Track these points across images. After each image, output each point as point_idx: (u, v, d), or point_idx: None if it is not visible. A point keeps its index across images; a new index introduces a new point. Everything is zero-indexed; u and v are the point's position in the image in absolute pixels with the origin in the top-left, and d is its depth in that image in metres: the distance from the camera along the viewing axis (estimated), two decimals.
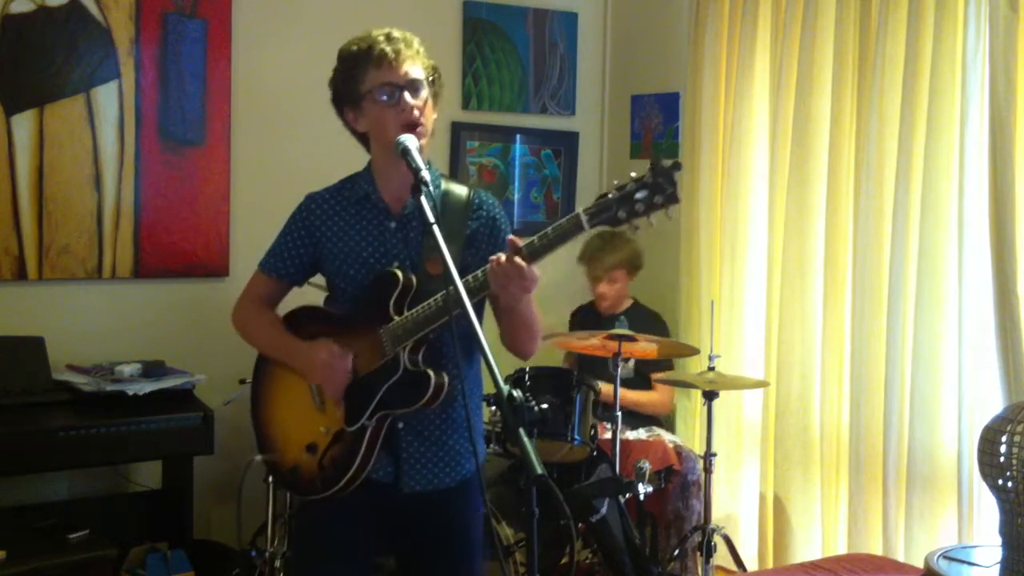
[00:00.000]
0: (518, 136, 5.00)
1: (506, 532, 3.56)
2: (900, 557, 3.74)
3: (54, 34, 3.87)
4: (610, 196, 2.18)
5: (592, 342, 4.03)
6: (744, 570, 4.10)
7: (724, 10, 4.50)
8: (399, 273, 2.42)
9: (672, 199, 2.14)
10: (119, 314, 4.08)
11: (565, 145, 5.11)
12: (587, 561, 3.89)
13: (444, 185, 2.55)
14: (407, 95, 2.42)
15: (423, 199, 2.26)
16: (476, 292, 2.30)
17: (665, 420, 4.59)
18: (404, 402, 2.42)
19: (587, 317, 4.54)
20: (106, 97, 3.99)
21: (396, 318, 2.39)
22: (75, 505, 3.92)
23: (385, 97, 2.42)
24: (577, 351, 4.28)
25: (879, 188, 3.89)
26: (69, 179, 3.94)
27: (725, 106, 4.53)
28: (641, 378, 4.44)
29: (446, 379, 2.41)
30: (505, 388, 1.96)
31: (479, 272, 2.31)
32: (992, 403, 3.52)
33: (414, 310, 2.37)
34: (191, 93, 4.16)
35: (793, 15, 4.19)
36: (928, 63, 3.71)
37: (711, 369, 3.91)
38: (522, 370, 3.82)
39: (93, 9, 3.94)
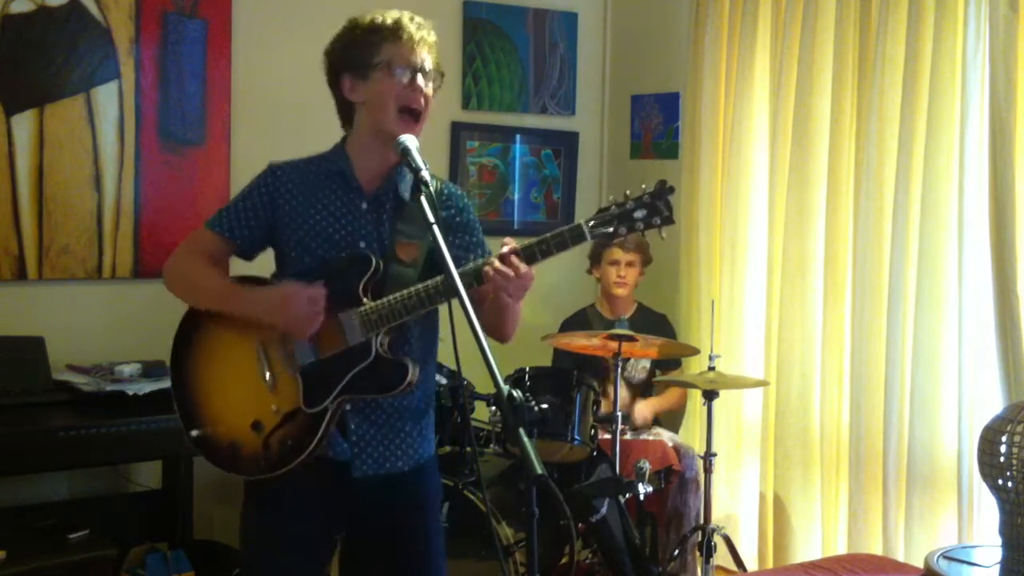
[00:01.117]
0: (518, 136, 5.00)
1: (506, 532, 3.56)
2: (900, 557, 3.74)
3: (54, 34, 3.87)
4: (612, 211, 2.24)
5: (586, 341, 4.03)
6: (744, 570, 4.10)
7: (724, 10, 4.50)
8: (372, 257, 2.37)
9: (668, 221, 2.24)
10: (119, 314, 4.07)
11: (565, 145, 5.11)
12: (587, 561, 3.89)
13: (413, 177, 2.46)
14: (420, 78, 2.40)
15: (423, 199, 2.25)
16: (466, 287, 2.23)
17: (678, 417, 4.60)
18: (372, 388, 2.37)
19: (587, 323, 4.52)
20: (106, 97, 3.99)
21: (368, 302, 2.33)
22: (75, 505, 3.91)
23: (399, 74, 2.38)
24: (578, 351, 4.27)
25: (879, 188, 3.89)
26: (69, 179, 3.94)
27: (725, 106, 4.53)
28: (648, 384, 4.46)
29: (419, 371, 2.38)
30: (505, 388, 1.96)
31: (469, 267, 2.29)
32: (992, 403, 3.52)
33: (393, 296, 2.31)
34: (191, 93, 4.16)
35: (793, 15, 4.19)
36: (928, 63, 3.71)
37: (711, 369, 3.92)
38: (522, 370, 3.82)
39: (93, 9, 3.94)
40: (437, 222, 2.22)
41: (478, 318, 2.08)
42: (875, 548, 3.87)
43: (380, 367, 2.35)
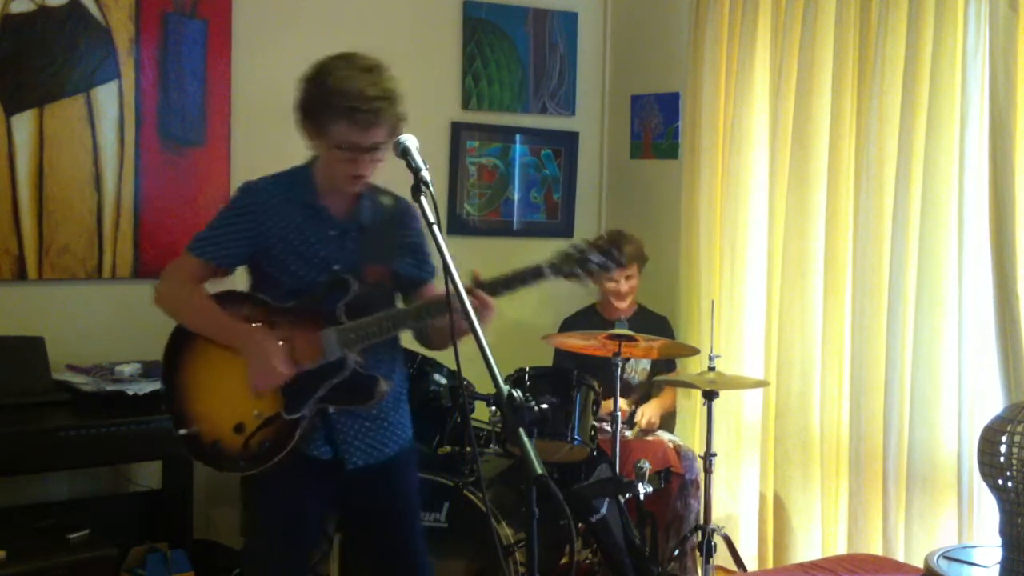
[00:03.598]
0: (518, 136, 5.00)
1: (506, 532, 3.56)
2: (900, 557, 3.74)
3: (54, 34, 3.87)
4: (571, 253, 2.52)
5: (585, 341, 4.03)
6: (744, 570, 4.10)
7: (724, 10, 4.50)
8: (349, 280, 2.61)
9: (620, 265, 2.56)
10: (119, 314, 4.07)
11: (565, 145, 5.11)
12: (587, 561, 3.89)
13: (376, 196, 2.73)
14: (366, 158, 2.58)
15: (423, 199, 2.29)
16: (424, 317, 2.59)
17: (672, 417, 4.60)
18: (346, 400, 2.63)
19: (588, 322, 4.52)
20: (106, 97, 3.99)
21: (346, 321, 2.58)
22: (75, 505, 3.91)
23: (346, 155, 2.56)
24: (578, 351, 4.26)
25: (879, 188, 3.89)
26: (69, 179, 3.94)
27: (725, 106, 4.53)
28: (647, 383, 4.46)
29: (392, 383, 2.68)
30: (505, 388, 1.97)
31: (412, 311, 2.62)
32: (992, 403, 3.52)
33: (370, 319, 2.57)
34: (191, 93, 4.16)
35: (793, 15, 4.19)
36: (928, 63, 3.71)
37: (711, 369, 3.91)
38: (522, 370, 3.82)
39: (93, 9, 3.94)
40: (438, 222, 2.25)
41: (418, 334, 2.52)
42: (875, 548, 3.87)
43: (354, 381, 2.60)
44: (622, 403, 4.01)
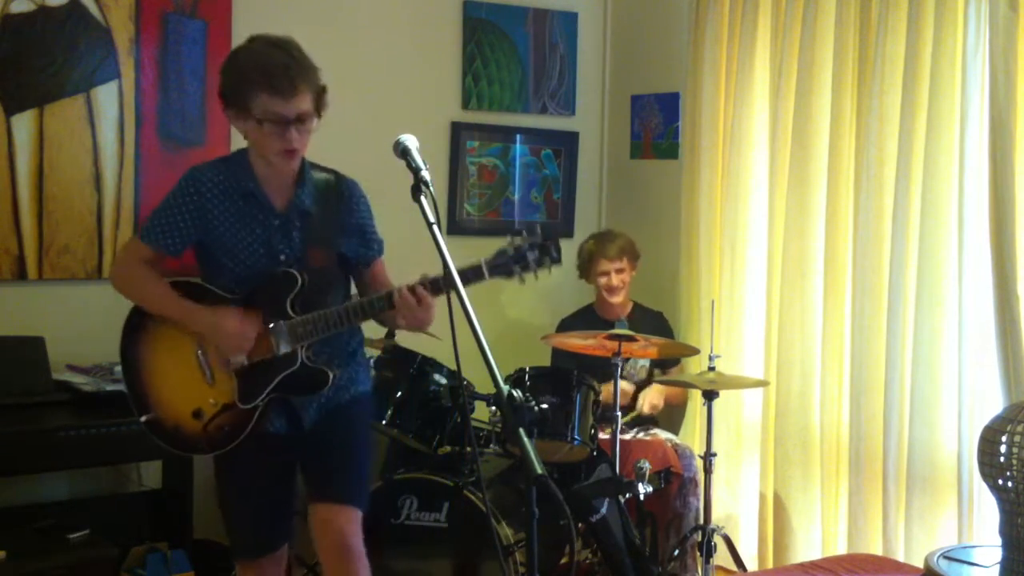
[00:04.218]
0: (518, 136, 5.00)
1: (506, 532, 3.56)
2: (900, 557, 3.74)
3: (54, 34, 3.87)
4: (508, 253, 2.54)
5: (585, 341, 4.03)
6: (744, 570, 4.10)
7: (724, 10, 4.50)
8: (298, 275, 2.67)
9: (555, 262, 2.57)
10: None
11: (565, 145, 5.11)
12: (587, 561, 3.89)
13: (314, 175, 2.76)
14: (293, 130, 2.59)
15: (423, 199, 2.30)
16: (374, 311, 2.65)
17: (678, 415, 4.59)
18: (297, 390, 2.73)
19: (586, 322, 4.53)
20: (106, 97, 3.99)
21: (294, 315, 2.66)
22: (75, 505, 3.91)
23: (274, 126, 2.58)
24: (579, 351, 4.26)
25: (879, 188, 3.89)
26: (69, 179, 3.94)
27: (725, 106, 4.53)
28: (647, 383, 4.45)
29: (338, 373, 2.75)
30: (505, 388, 1.97)
31: (358, 305, 2.66)
32: (992, 403, 3.52)
33: (317, 314, 2.64)
34: (191, 93, 4.16)
35: (793, 15, 4.19)
36: (928, 63, 3.71)
37: (711, 369, 3.91)
38: (522, 370, 3.82)
39: (93, 9, 3.94)
40: (437, 222, 2.26)
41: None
42: (875, 548, 3.87)
43: (305, 373, 2.70)
44: (623, 385, 4.02)
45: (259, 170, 2.72)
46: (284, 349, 2.68)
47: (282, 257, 2.71)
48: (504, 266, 2.55)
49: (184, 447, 2.86)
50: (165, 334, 2.79)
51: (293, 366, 2.69)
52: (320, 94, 2.64)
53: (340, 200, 2.78)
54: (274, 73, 2.56)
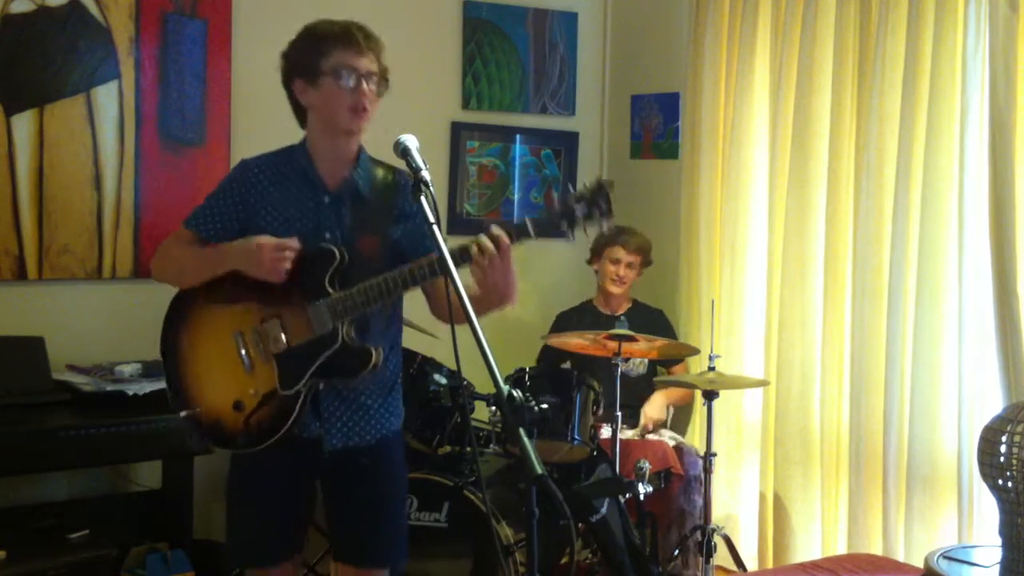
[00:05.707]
0: (518, 136, 5.00)
1: (506, 532, 3.56)
2: (900, 557, 3.74)
3: (54, 34, 3.87)
4: (555, 209, 2.41)
5: (586, 341, 4.03)
6: (744, 570, 4.10)
7: (724, 10, 4.50)
8: (336, 250, 2.56)
9: (607, 214, 2.40)
10: (119, 314, 4.07)
11: (565, 145, 5.11)
12: (587, 561, 3.89)
13: (372, 165, 2.70)
14: (364, 83, 2.57)
15: (423, 199, 2.30)
16: (419, 281, 2.48)
17: (685, 414, 4.60)
18: (340, 372, 2.59)
19: (584, 318, 4.53)
20: (106, 97, 3.99)
21: (333, 292, 2.53)
22: (75, 505, 3.91)
23: (344, 79, 2.56)
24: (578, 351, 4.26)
25: (879, 188, 3.89)
26: (69, 179, 3.94)
27: (725, 106, 4.53)
28: (649, 377, 4.46)
29: (382, 354, 2.59)
30: (505, 388, 1.97)
31: (420, 264, 2.45)
32: (992, 403, 3.52)
33: (359, 287, 2.50)
34: (191, 93, 4.16)
35: (793, 15, 4.19)
36: (928, 63, 3.71)
37: (711, 369, 3.92)
38: (522, 370, 3.82)
39: (93, 9, 3.94)
40: (437, 222, 2.25)
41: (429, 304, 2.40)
42: (875, 548, 3.87)
43: (347, 353, 2.55)
44: (629, 434, 4.00)
45: (315, 149, 2.66)
46: (324, 328, 2.54)
47: (327, 236, 2.61)
48: (550, 222, 2.42)
49: (223, 442, 2.72)
50: (203, 325, 2.70)
51: (334, 345, 2.54)
52: (384, 69, 2.63)
53: (395, 189, 2.67)
54: (346, 29, 2.58)
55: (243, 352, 2.63)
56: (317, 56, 2.58)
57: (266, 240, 2.55)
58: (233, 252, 2.59)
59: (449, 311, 2.24)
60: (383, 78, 2.63)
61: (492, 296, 2.51)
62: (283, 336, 2.58)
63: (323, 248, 2.58)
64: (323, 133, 2.65)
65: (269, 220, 2.63)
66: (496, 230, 2.42)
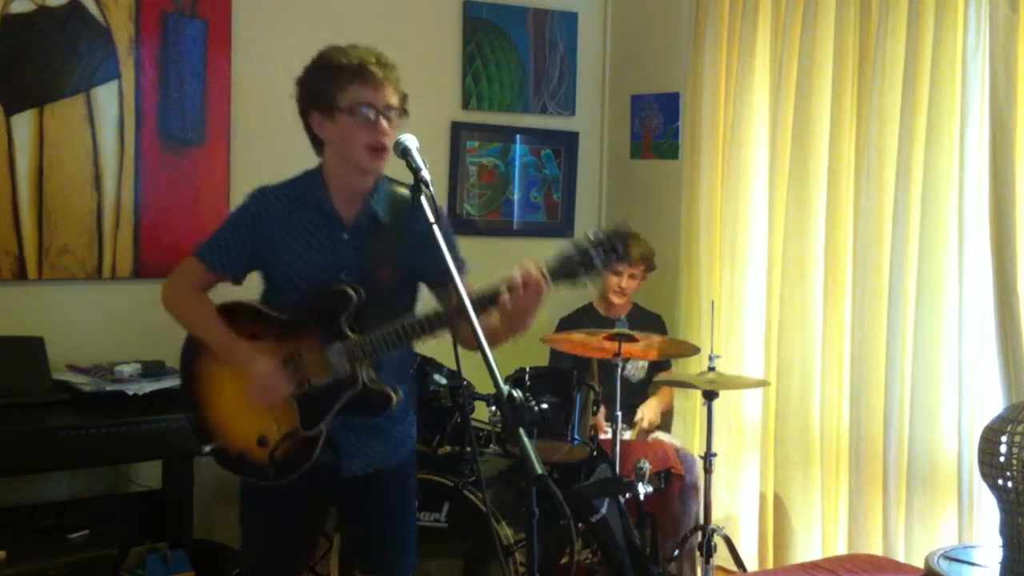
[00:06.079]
0: (518, 136, 5.00)
1: (506, 532, 3.56)
2: (900, 557, 3.74)
3: (54, 34, 3.87)
4: (572, 256, 2.33)
5: (586, 341, 4.03)
6: (744, 570, 4.10)
7: (724, 10, 4.50)
8: (351, 291, 2.51)
9: (622, 259, 2.36)
10: (119, 314, 4.07)
11: (565, 145, 5.11)
12: (587, 561, 3.89)
13: (389, 187, 2.63)
14: (383, 121, 2.50)
15: (423, 199, 2.29)
16: (433, 328, 2.42)
17: (669, 417, 4.60)
18: (359, 413, 2.57)
19: (584, 320, 4.53)
20: (106, 97, 3.99)
21: (351, 335, 2.49)
22: (75, 505, 3.91)
23: (363, 116, 2.49)
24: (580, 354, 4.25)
25: (879, 188, 3.89)
26: (69, 179, 3.94)
27: (725, 106, 4.53)
28: (646, 381, 4.46)
29: (401, 394, 2.57)
30: (505, 388, 1.97)
31: (437, 313, 2.41)
32: (992, 403, 3.52)
33: (376, 333, 2.46)
34: (191, 93, 4.15)
35: (793, 15, 4.19)
36: (928, 63, 3.71)
37: (711, 369, 3.91)
38: (522, 370, 3.82)
39: (93, 9, 3.94)
40: (437, 222, 2.24)
41: (457, 338, 2.28)
42: (875, 548, 3.87)
43: (366, 395, 2.53)
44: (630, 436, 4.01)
45: (332, 182, 2.59)
46: (341, 372, 2.50)
47: (343, 274, 2.56)
48: (567, 270, 2.33)
49: (251, 473, 2.65)
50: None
51: (355, 389, 2.51)
52: (404, 97, 2.56)
53: (415, 211, 2.49)
54: (363, 62, 2.49)
55: None
56: (333, 89, 2.50)
57: (264, 371, 2.53)
58: (236, 355, 2.57)
59: (449, 311, 2.23)
60: (402, 109, 2.56)
61: (509, 323, 2.42)
62: (303, 378, 2.54)
63: (338, 288, 2.52)
64: (340, 167, 2.57)
65: (288, 253, 2.57)
66: (532, 268, 2.34)
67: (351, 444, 2.62)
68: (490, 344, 2.19)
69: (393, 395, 2.53)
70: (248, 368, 2.54)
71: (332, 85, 2.50)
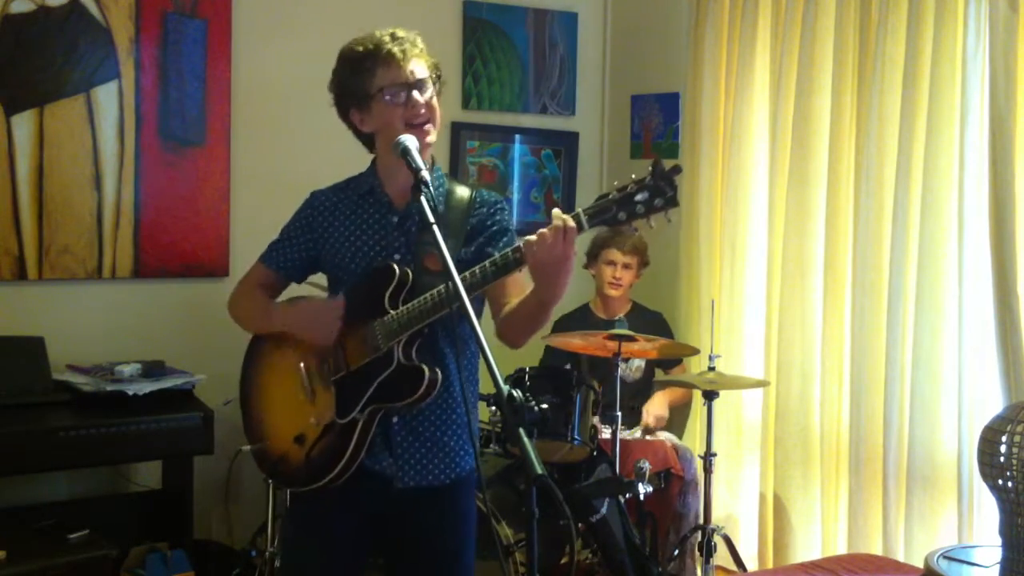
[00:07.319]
0: (518, 136, 5.00)
1: (506, 532, 3.56)
2: (900, 557, 3.74)
3: (54, 34, 3.87)
4: (610, 197, 2.17)
5: (586, 341, 4.03)
6: (744, 570, 4.10)
7: (724, 10, 4.50)
8: (395, 267, 2.43)
9: (671, 202, 2.15)
10: (119, 314, 4.08)
11: (565, 145, 5.11)
12: (587, 561, 3.89)
13: (447, 184, 2.59)
14: (415, 93, 2.46)
15: (423, 199, 2.27)
16: (476, 287, 2.30)
17: (684, 415, 4.60)
18: (397, 396, 2.42)
19: (583, 320, 4.53)
20: (106, 97, 3.99)
21: (392, 312, 2.39)
22: (75, 505, 3.91)
23: (394, 97, 2.45)
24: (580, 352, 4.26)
25: (879, 188, 3.89)
26: (69, 179, 3.94)
27: (725, 106, 4.53)
28: (646, 380, 4.45)
29: (439, 375, 2.41)
30: (505, 388, 1.96)
31: (476, 269, 2.29)
32: (992, 403, 3.52)
33: (410, 304, 2.37)
34: (191, 93, 4.16)
35: (793, 15, 4.19)
36: (928, 63, 3.71)
37: (711, 369, 3.92)
38: (522, 370, 3.82)
39: (93, 9, 3.94)
40: (437, 222, 2.23)
41: (498, 323, 2.26)
42: (875, 548, 3.87)
43: (400, 374, 2.40)
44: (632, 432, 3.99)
45: (383, 169, 2.55)
46: (378, 349, 2.40)
47: (397, 256, 2.49)
48: (604, 212, 2.15)
49: (287, 480, 2.60)
50: (274, 357, 2.62)
51: (389, 367, 2.39)
52: (434, 65, 2.53)
53: (471, 207, 2.52)
54: (378, 45, 2.48)
55: (306, 380, 2.53)
56: (359, 81, 2.48)
57: (311, 305, 2.51)
58: (286, 318, 2.55)
59: (449, 312, 2.23)
60: (435, 77, 2.51)
61: (544, 284, 2.27)
62: (343, 360, 2.46)
63: (380, 266, 2.46)
64: (389, 153, 2.48)
65: (338, 246, 2.55)
66: (556, 211, 2.19)
67: (407, 448, 2.49)
68: (530, 328, 2.24)
69: (427, 370, 2.38)
70: (295, 315, 2.52)
71: (357, 77, 2.48)
